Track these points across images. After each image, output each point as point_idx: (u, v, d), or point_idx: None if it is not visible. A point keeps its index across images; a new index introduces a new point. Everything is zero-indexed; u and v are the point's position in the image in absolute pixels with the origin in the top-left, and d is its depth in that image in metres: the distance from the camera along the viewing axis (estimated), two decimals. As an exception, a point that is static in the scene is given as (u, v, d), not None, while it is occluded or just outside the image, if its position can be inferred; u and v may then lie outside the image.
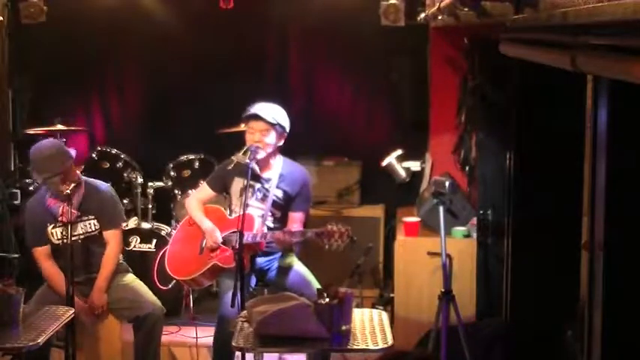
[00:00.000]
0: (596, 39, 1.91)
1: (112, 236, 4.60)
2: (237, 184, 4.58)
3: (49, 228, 4.49)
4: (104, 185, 4.68)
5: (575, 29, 2.05)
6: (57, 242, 4.43)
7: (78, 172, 4.62)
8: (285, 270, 4.58)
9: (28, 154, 4.49)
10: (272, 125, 4.43)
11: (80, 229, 4.53)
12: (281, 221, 4.55)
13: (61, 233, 4.27)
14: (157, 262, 5.19)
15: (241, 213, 4.15)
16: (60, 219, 4.33)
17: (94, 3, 6.58)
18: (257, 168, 4.46)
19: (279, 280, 4.57)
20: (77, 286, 4.37)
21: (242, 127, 5.60)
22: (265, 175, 4.55)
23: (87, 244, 4.55)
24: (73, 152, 4.52)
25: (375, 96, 6.51)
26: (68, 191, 4.20)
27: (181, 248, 4.68)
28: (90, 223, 4.56)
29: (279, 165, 4.58)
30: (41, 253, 4.52)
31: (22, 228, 4.76)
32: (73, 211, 4.39)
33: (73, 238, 4.45)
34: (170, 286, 5.10)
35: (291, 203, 4.55)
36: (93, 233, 4.57)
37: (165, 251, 4.80)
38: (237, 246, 4.04)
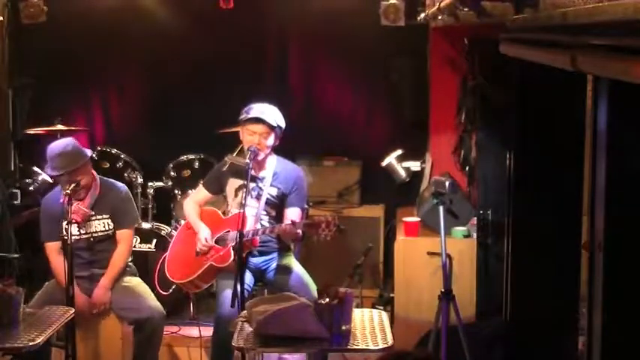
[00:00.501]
0: (596, 39, 1.91)
1: (124, 236, 4.62)
2: (233, 184, 4.59)
3: (64, 224, 4.49)
4: (120, 185, 4.71)
5: (575, 29, 2.05)
6: (66, 238, 4.44)
7: (94, 172, 4.63)
8: (283, 270, 4.58)
9: (30, 153, 4.52)
10: (273, 128, 4.44)
11: (93, 227, 4.55)
12: (276, 220, 4.55)
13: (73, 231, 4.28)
14: (158, 266, 5.20)
15: (236, 212, 4.16)
16: (68, 217, 4.29)
17: (94, 3, 6.58)
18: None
19: (278, 280, 4.56)
20: (80, 282, 4.39)
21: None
22: (260, 174, 4.55)
23: (98, 242, 4.57)
24: (88, 152, 4.56)
25: (375, 96, 6.51)
26: (68, 191, 4.22)
27: (179, 251, 4.70)
28: (104, 222, 4.57)
29: (272, 164, 4.59)
30: (52, 248, 4.55)
31: (37, 222, 4.78)
32: (86, 210, 4.44)
33: (85, 236, 4.53)
34: (170, 291, 5.11)
35: (285, 201, 4.55)
36: (106, 232, 4.59)
37: (165, 257, 4.80)
38: (235, 245, 4.05)
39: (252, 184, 4.52)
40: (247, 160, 4.32)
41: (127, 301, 4.55)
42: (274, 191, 4.55)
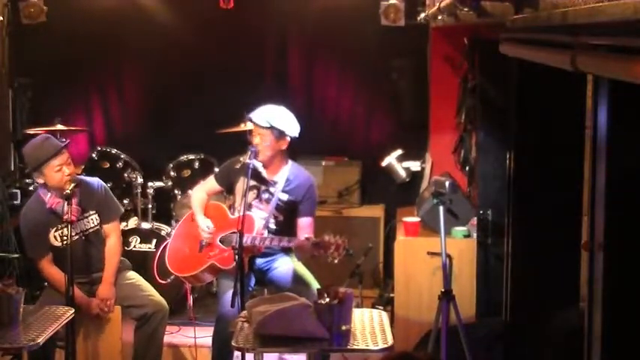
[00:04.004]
0: (596, 39, 1.91)
1: (112, 229, 4.61)
2: (243, 184, 4.59)
3: (52, 232, 4.45)
4: (95, 180, 4.67)
5: (575, 29, 2.05)
6: (60, 245, 4.37)
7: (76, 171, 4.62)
8: (284, 270, 4.58)
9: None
10: (266, 128, 4.43)
11: (84, 225, 4.53)
12: (283, 225, 4.54)
13: (65, 234, 4.23)
14: (158, 255, 5.18)
15: (243, 213, 4.16)
16: (65, 218, 4.19)
17: (94, 3, 6.59)
18: (264, 171, 4.48)
19: (278, 280, 4.56)
20: (81, 287, 4.38)
21: (242, 127, 5.62)
22: (272, 178, 4.55)
23: (89, 240, 4.54)
24: (63, 144, 4.47)
25: (375, 96, 6.51)
26: (68, 191, 4.20)
27: (182, 244, 4.69)
28: (92, 219, 4.55)
29: (287, 169, 4.58)
30: (45, 262, 4.46)
31: (20, 237, 4.73)
32: (78, 207, 4.40)
33: (76, 236, 4.45)
34: (169, 280, 5.08)
35: (296, 208, 4.54)
36: (94, 228, 4.56)
37: (166, 245, 4.80)
38: (237, 246, 4.05)
39: (263, 187, 4.54)
40: (248, 160, 4.33)
41: (133, 296, 4.54)
42: (285, 197, 4.54)
